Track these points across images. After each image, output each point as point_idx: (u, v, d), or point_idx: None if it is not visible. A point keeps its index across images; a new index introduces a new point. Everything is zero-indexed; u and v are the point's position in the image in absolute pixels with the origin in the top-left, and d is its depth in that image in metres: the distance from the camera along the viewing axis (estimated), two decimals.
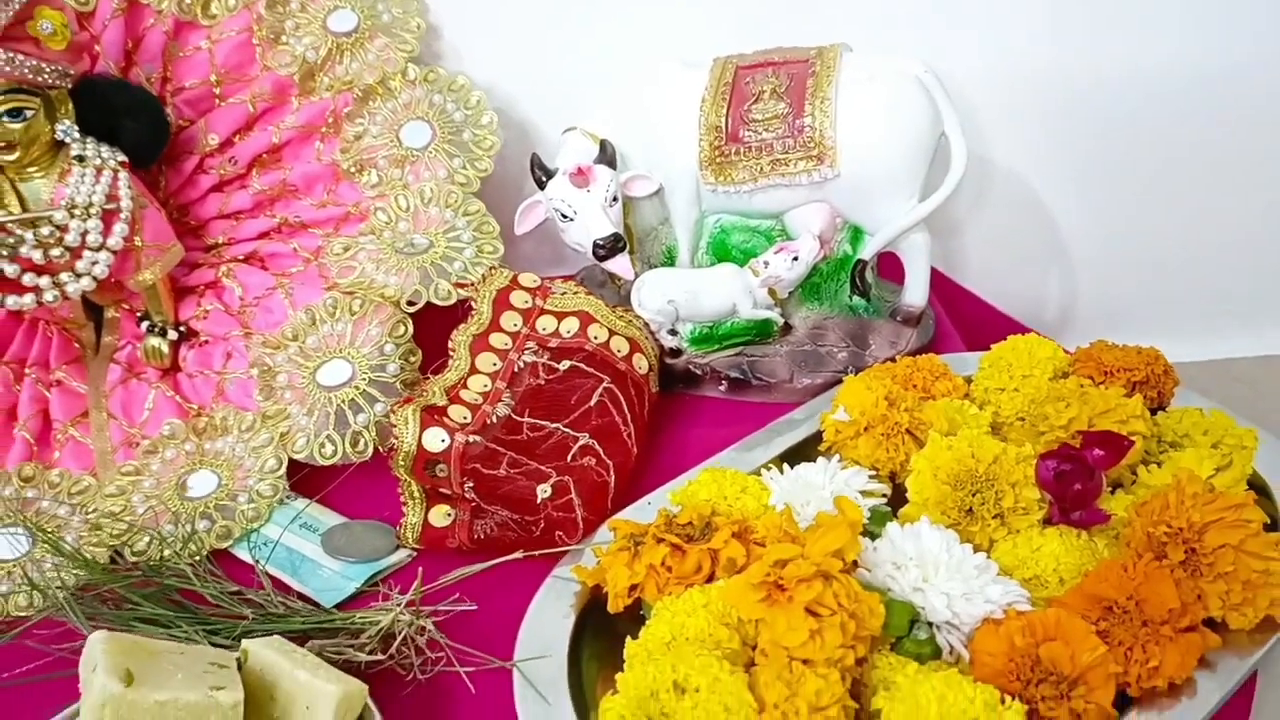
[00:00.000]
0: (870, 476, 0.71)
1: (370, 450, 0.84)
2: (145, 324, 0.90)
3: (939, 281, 1.04)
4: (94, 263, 0.86)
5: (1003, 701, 0.53)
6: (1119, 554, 0.63)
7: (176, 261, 0.91)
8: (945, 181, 0.88)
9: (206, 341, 0.92)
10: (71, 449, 0.87)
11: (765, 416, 0.88)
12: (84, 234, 0.85)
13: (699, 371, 0.92)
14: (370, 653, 0.66)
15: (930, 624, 0.59)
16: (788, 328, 0.93)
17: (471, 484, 0.74)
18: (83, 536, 0.80)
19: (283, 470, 0.83)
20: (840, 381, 0.88)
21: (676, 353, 0.91)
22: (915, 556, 0.61)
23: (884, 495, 0.71)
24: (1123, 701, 0.57)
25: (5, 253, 0.84)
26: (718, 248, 0.97)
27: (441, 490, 0.75)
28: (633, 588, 0.64)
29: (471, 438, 0.74)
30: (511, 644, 0.67)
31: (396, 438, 0.74)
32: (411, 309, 0.87)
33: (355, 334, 0.87)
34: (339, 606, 0.73)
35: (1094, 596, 0.58)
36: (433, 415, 0.75)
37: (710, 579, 0.64)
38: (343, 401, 0.84)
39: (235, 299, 0.92)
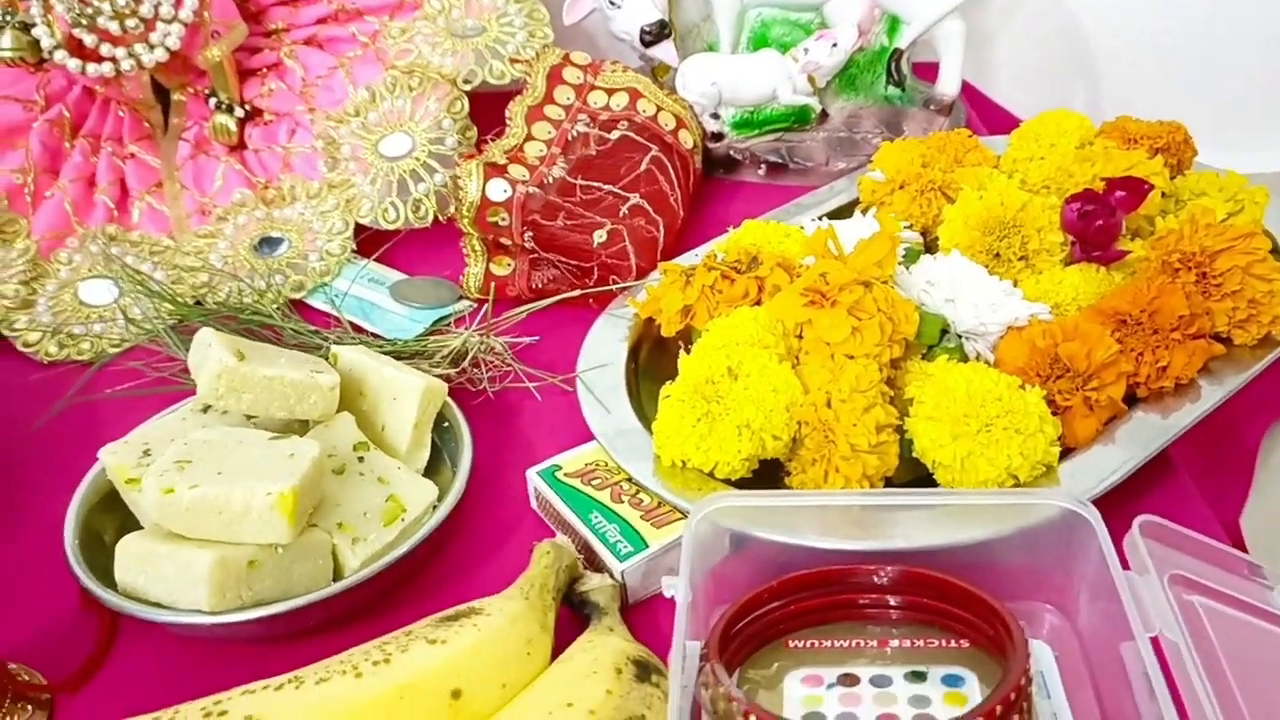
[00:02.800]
0: (906, 227, 0.77)
1: (430, 217, 0.89)
2: (213, 101, 0.95)
3: (969, 94, 1.08)
4: (166, 35, 0.90)
5: (1023, 388, 0.59)
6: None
7: (241, 40, 0.95)
8: None
9: (271, 120, 0.96)
10: (149, 215, 0.92)
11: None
12: (157, 6, 0.89)
13: (738, 156, 0.96)
14: (442, 368, 0.72)
15: (960, 335, 0.65)
16: (824, 115, 0.97)
17: (531, 234, 0.79)
18: (165, 288, 0.87)
19: (349, 231, 0.88)
20: None
21: (718, 136, 0.96)
22: (947, 276, 0.66)
23: (918, 243, 0.76)
24: (1131, 402, 0.63)
25: (85, 22, 0.88)
26: (758, 41, 1.00)
27: (501, 241, 0.81)
28: (685, 311, 0.70)
29: (532, 189, 0.79)
30: (568, 367, 0.73)
31: (461, 189, 0.80)
32: (468, 87, 0.92)
33: (415, 109, 0.92)
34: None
35: (1110, 311, 0.64)
36: (495, 169, 0.80)
37: (757, 304, 0.69)
38: (404, 171, 0.89)
39: (297, 79, 0.96)
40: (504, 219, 0.79)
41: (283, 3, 1.00)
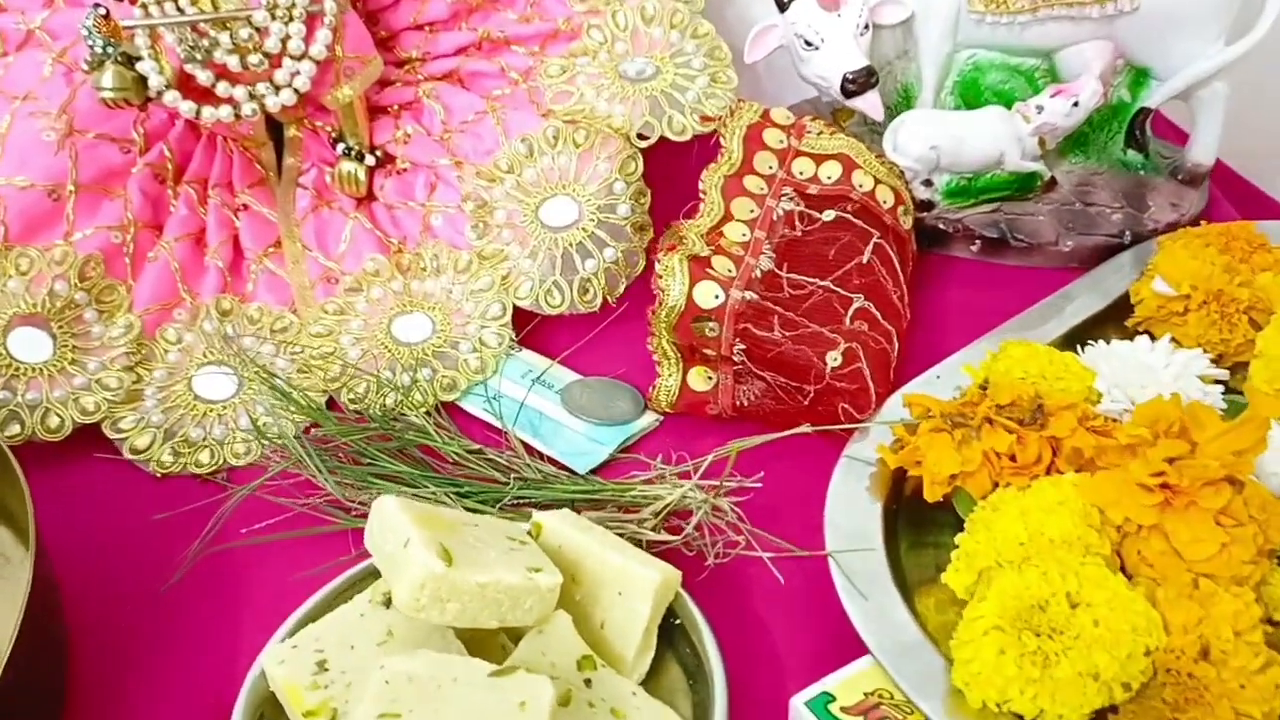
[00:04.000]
0: (1211, 361, 0.63)
1: (599, 300, 0.76)
2: (340, 147, 0.81)
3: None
4: (294, 73, 0.76)
5: None
6: None
7: (376, 76, 0.81)
8: (1259, 22, 0.77)
9: (405, 169, 0.83)
10: (266, 281, 0.79)
11: (1024, 281, 0.80)
12: (285, 39, 0.75)
13: (948, 229, 0.82)
14: (654, 530, 0.59)
15: None
16: (1052, 182, 0.83)
17: (743, 346, 0.66)
18: (291, 379, 0.74)
19: (508, 318, 0.75)
20: (1116, 246, 0.80)
21: (927, 205, 0.82)
22: None
23: (1222, 382, 0.63)
24: None
25: (199, 56, 0.74)
26: (967, 88, 0.86)
27: (704, 350, 0.67)
28: (953, 474, 0.57)
29: (746, 294, 0.66)
30: (798, 525, 0.60)
31: (661, 289, 0.66)
32: (643, 143, 0.78)
33: (580, 169, 0.78)
34: (591, 473, 0.67)
35: None
36: (701, 266, 0.67)
37: (1048, 471, 0.56)
38: (569, 244, 0.76)
39: (437, 122, 0.83)
40: (713, 329, 0.66)
41: (416, 28, 0.86)
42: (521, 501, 0.62)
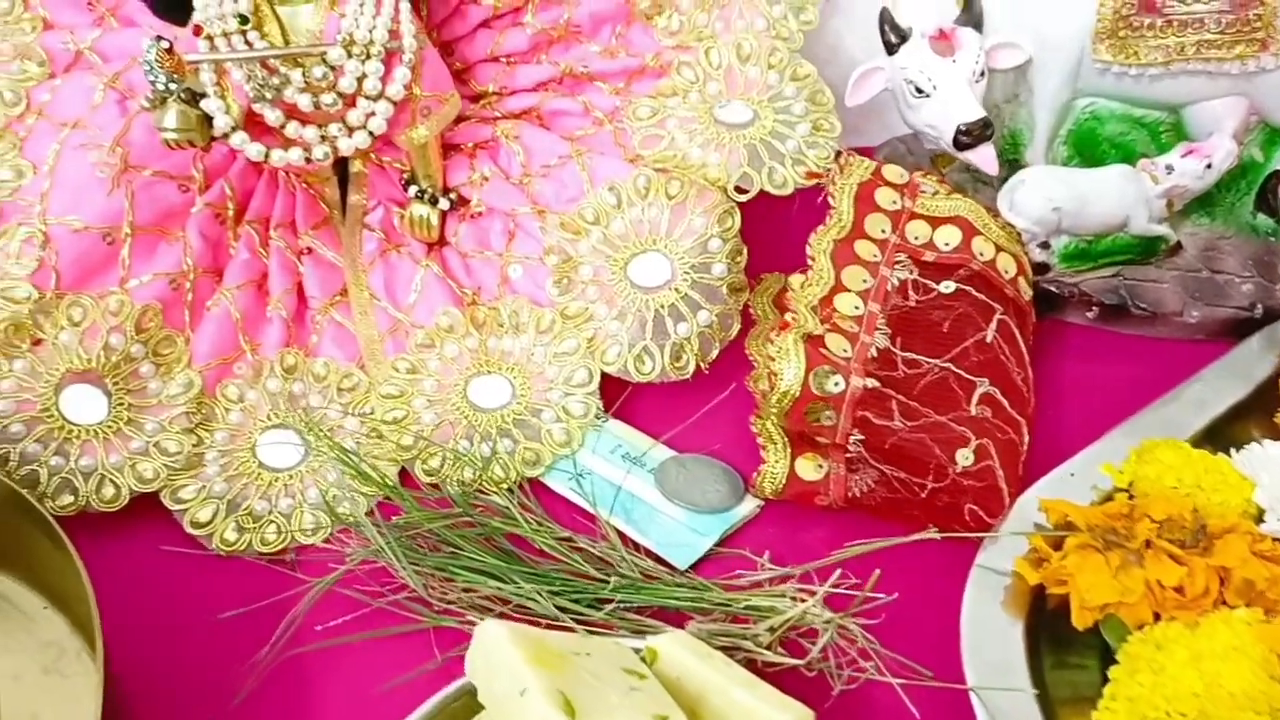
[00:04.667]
0: None
1: (692, 367, 0.71)
2: (413, 190, 0.76)
3: None
4: (370, 114, 0.71)
5: None
6: None
7: (454, 115, 0.76)
8: None
9: (479, 214, 0.77)
10: (332, 333, 0.74)
11: (1145, 353, 0.75)
12: (361, 78, 0.70)
13: (1062, 293, 0.76)
14: (770, 649, 0.54)
15: None
16: (1176, 246, 0.77)
17: (861, 436, 0.61)
18: (361, 444, 0.69)
19: (594, 385, 0.70)
20: (1246, 319, 0.74)
21: (1042, 268, 0.76)
22: None
23: None
24: None
25: (269, 95, 0.69)
26: (1083, 139, 0.80)
27: (818, 438, 0.62)
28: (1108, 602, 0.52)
29: (867, 381, 0.61)
30: (923, 639, 0.55)
31: (773, 372, 0.61)
32: (742, 197, 0.72)
33: (673, 223, 0.72)
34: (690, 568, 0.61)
35: None
36: (816, 348, 0.61)
37: (1214, 603, 0.51)
38: (661, 306, 0.71)
39: (516, 165, 0.77)
40: (829, 417, 0.61)
41: (493, 60, 0.80)
42: (623, 606, 0.57)
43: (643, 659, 0.49)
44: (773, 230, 0.73)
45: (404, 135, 0.73)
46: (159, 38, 0.68)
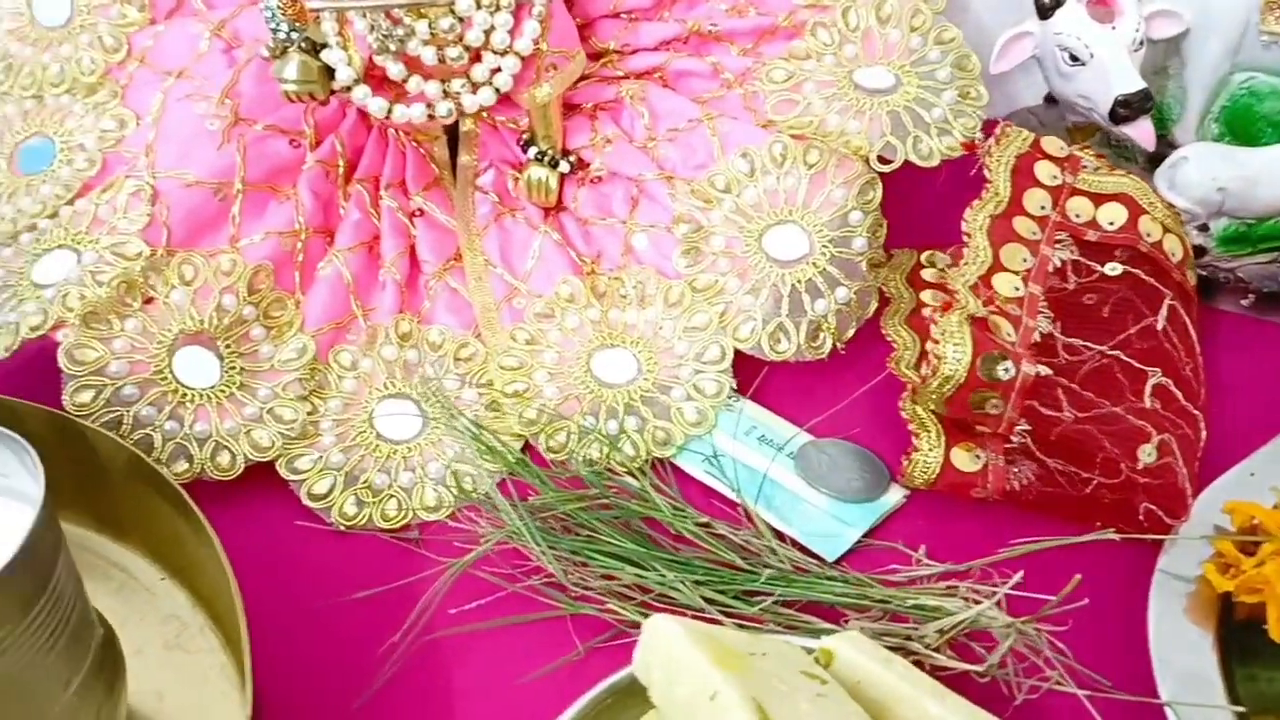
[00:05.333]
0: None
1: (828, 347, 0.67)
2: (532, 151, 0.72)
3: None
4: (495, 70, 0.67)
5: None
6: None
7: (579, 74, 0.72)
8: None
9: (600, 178, 0.73)
10: (446, 300, 0.70)
11: None
12: (489, 31, 0.66)
13: (1218, 278, 0.72)
14: (939, 651, 0.51)
15: None
16: None
17: (1027, 426, 0.57)
18: (479, 416, 0.66)
19: (728, 363, 0.66)
20: None
21: (1198, 252, 0.72)
22: None
23: None
24: None
25: (392, 47, 0.65)
26: (1238, 116, 0.75)
27: (978, 427, 0.58)
28: None
29: (1039, 368, 0.57)
30: (1102, 645, 0.52)
31: (937, 355, 0.57)
32: (885, 168, 0.68)
33: (811, 194, 0.68)
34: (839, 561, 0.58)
35: None
36: (983, 331, 0.58)
37: None
38: (798, 281, 0.67)
39: (640, 127, 0.73)
40: (996, 406, 0.57)
41: (614, 16, 0.76)
42: (780, 601, 0.53)
43: (816, 660, 0.46)
44: (901, 202, 0.69)
45: (526, 93, 0.70)
46: None
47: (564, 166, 0.72)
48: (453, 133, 0.76)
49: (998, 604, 0.51)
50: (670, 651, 0.42)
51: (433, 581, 0.57)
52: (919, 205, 0.70)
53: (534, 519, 0.57)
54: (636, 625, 0.54)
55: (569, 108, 0.74)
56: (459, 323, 0.70)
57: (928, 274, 0.69)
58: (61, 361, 0.62)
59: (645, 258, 0.70)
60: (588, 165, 0.73)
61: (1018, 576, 0.51)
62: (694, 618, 0.52)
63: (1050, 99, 0.82)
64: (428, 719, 0.52)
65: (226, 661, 0.53)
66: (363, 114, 0.73)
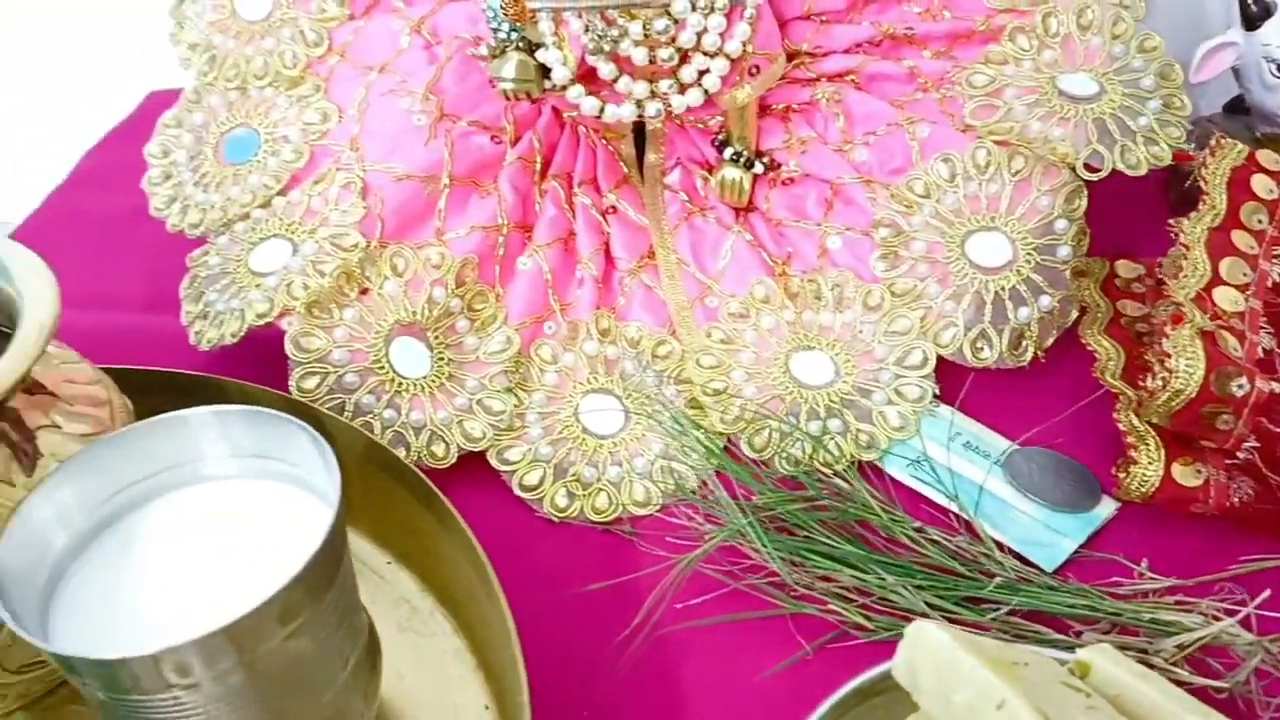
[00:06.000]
0: None
1: (1030, 355, 0.67)
2: (728, 151, 0.73)
3: None
4: (704, 71, 0.68)
5: None
6: None
7: (778, 77, 0.73)
8: None
9: (792, 179, 0.74)
10: (640, 298, 0.71)
11: None
12: (701, 33, 0.67)
13: None
14: (1178, 666, 0.51)
15: None
16: None
17: (1256, 444, 0.56)
18: (680, 413, 0.67)
19: (930, 368, 0.67)
20: None
21: None
22: None
23: None
24: None
25: (606, 48, 0.66)
26: None
27: (1204, 442, 0.58)
28: None
29: (1273, 384, 0.56)
30: None
31: (1167, 369, 0.57)
32: (1093, 176, 0.68)
33: (1015, 201, 0.68)
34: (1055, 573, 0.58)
35: None
36: (1214, 346, 0.57)
37: None
38: (1001, 288, 0.67)
39: (834, 130, 0.73)
40: (1226, 422, 0.56)
41: (806, 18, 0.76)
42: (1012, 611, 0.54)
43: (1071, 671, 0.46)
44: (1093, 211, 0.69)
45: (728, 95, 0.70)
46: None
47: (758, 168, 0.73)
48: (638, 131, 0.77)
49: (1243, 622, 0.50)
50: (942, 657, 0.43)
51: (647, 575, 0.58)
52: (1100, 212, 0.69)
53: (753, 518, 0.58)
54: (860, 627, 0.55)
55: (761, 109, 0.75)
56: (654, 320, 0.71)
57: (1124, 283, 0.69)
58: (288, 348, 0.64)
59: (840, 260, 0.71)
60: (778, 166, 0.74)
61: (1266, 594, 0.51)
62: None
63: (1231, 108, 0.81)
64: (661, 712, 0.53)
65: (461, 645, 0.55)
66: (556, 112, 0.74)
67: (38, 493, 0.43)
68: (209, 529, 0.46)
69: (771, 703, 0.53)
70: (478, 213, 0.71)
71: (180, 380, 0.62)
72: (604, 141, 0.76)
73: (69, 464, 0.44)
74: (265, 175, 0.73)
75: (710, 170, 0.75)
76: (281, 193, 0.72)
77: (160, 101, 1.05)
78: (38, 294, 0.48)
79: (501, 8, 0.65)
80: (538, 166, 0.73)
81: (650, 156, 0.77)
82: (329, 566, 0.43)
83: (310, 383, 0.64)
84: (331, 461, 0.44)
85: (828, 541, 0.57)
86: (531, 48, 0.67)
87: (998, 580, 0.54)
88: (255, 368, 0.64)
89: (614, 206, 0.74)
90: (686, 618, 0.56)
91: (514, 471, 0.64)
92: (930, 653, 0.43)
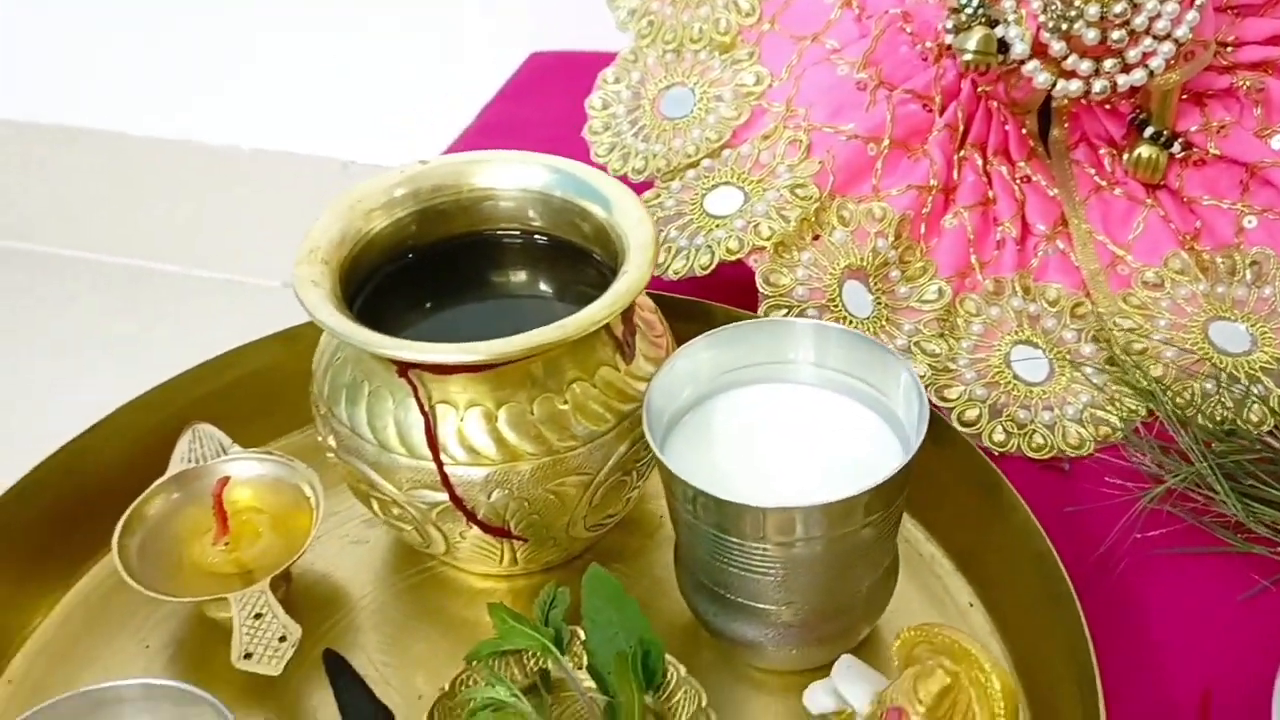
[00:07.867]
0: None
1: None
2: (1148, 131, 0.78)
3: None
4: (1149, 53, 0.73)
5: None
6: None
7: (1205, 64, 0.77)
8: None
9: (1203, 161, 0.78)
10: (1054, 263, 0.77)
11: None
12: (1154, 17, 0.72)
13: None
14: None
15: None
16: None
17: None
18: (1099, 369, 0.72)
19: None
20: None
21: None
22: None
23: None
24: None
25: (1063, 26, 0.72)
26: None
27: None
28: None
29: None
30: None
31: None
32: None
33: None
34: None
35: None
36: None
37: None
38: None
39: (1252, 117, 0.77)
40: None
41: (1220, 9, 0.80)
42: None
43: None
44: None
45: (1160, 77, 0.75)
46: None
47: (1176, 148, 0.77)
48: (1042, 108, 0.82)
49: None
50: None
51: (1089, 511, 0.64)
52: None
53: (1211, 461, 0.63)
54: None
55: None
56: (1068, 283, 0.76)
57: None
58: (759, 283, 0.72)
59: (1254, 239, 0.75)
60: (1191, 147, 0.78)
61: None
62: None
63: None
64: (1132, 636, 0.59)
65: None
66: (973, 84, 0.80)
67: (682, 352, 0.52)
68: (794, 421, 0.54)
69: (1240, 630, 0.58)
70: (911, 173, 0.77)
71: (668, 303, 0.71)
72: (1013, 116, 0.81)
73: (706, 336, 0.53)
74: (706, 130, 0.81)
75: (1115, 147, 0.80)
76: (726, 146, 0.80)
77: (541, 62, 1.16)
78: (637, 221, 0.57)
79: None
80: (959, 135, 0.80)
81: (1054, 132, 0.82)
82: (899, 485, 0.50)
83: (777, 315, 0.72)
84: (922, 395, 0.51)
85: (1276, 489, 0.62)
86: (992, 23, 0.73)
87: None
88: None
89: (1028, 176, 0.80)
90: (1147, 548, 0.62)
91: (953, 408, 0.71)
92: None
